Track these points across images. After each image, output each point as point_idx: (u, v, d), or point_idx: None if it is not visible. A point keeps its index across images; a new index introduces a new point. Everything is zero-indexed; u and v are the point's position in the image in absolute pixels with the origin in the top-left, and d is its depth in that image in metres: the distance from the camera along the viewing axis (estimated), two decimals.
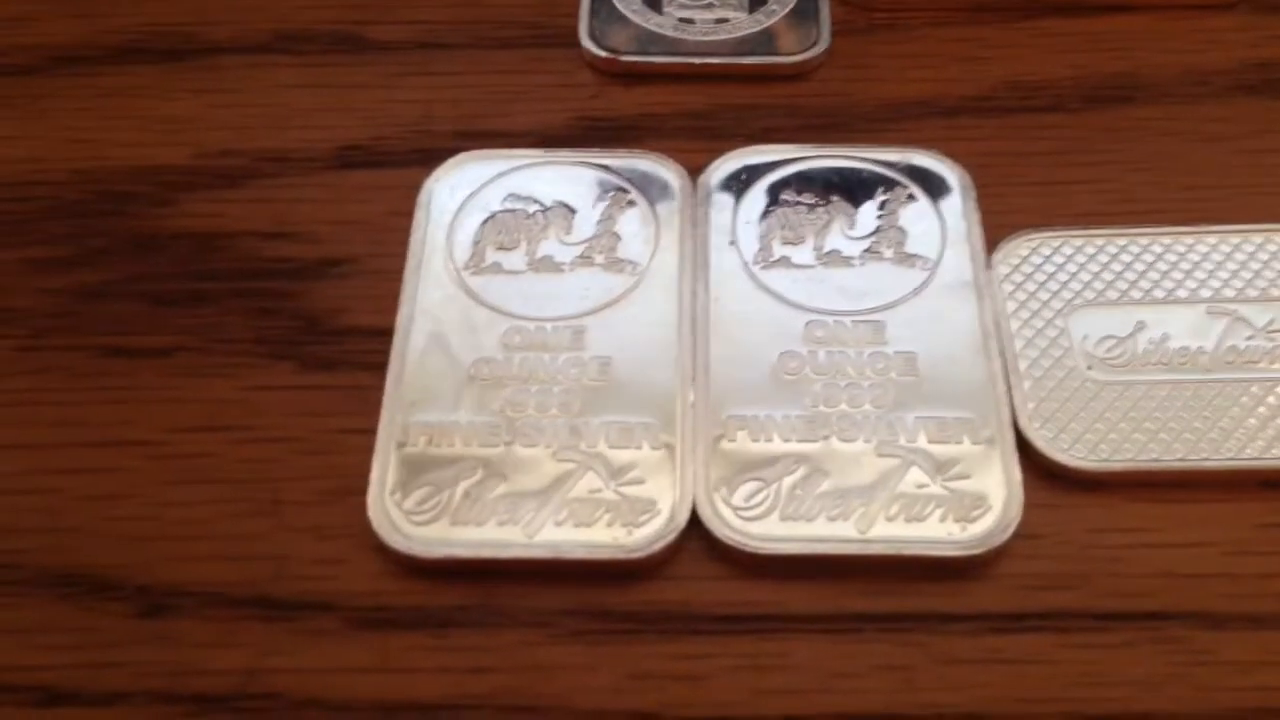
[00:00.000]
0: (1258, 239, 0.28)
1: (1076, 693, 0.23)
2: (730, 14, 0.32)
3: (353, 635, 0.24)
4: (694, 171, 0.29)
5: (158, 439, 0.26)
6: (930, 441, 0.25)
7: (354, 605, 0.24)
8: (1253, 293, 0.27)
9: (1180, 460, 0.25)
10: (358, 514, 0.24)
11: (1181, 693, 0.23)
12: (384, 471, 0.25)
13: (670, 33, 0.32)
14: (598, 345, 0.26)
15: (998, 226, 0.28)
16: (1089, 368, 0.26)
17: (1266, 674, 0.23)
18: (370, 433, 0.25)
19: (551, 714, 0.23)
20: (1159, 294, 0.27)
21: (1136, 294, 0.27)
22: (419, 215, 0.29)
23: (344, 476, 0.25)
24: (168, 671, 0.23)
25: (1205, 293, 0.27)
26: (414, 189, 0.29)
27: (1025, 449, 0.25)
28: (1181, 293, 0.27)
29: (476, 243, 0.28)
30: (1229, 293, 0.27)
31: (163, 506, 0.25)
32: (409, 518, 0.24)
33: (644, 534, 0.24)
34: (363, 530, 0.24)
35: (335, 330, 0.27)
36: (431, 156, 0.30)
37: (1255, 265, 0.27)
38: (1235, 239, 0.28)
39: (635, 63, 0.31)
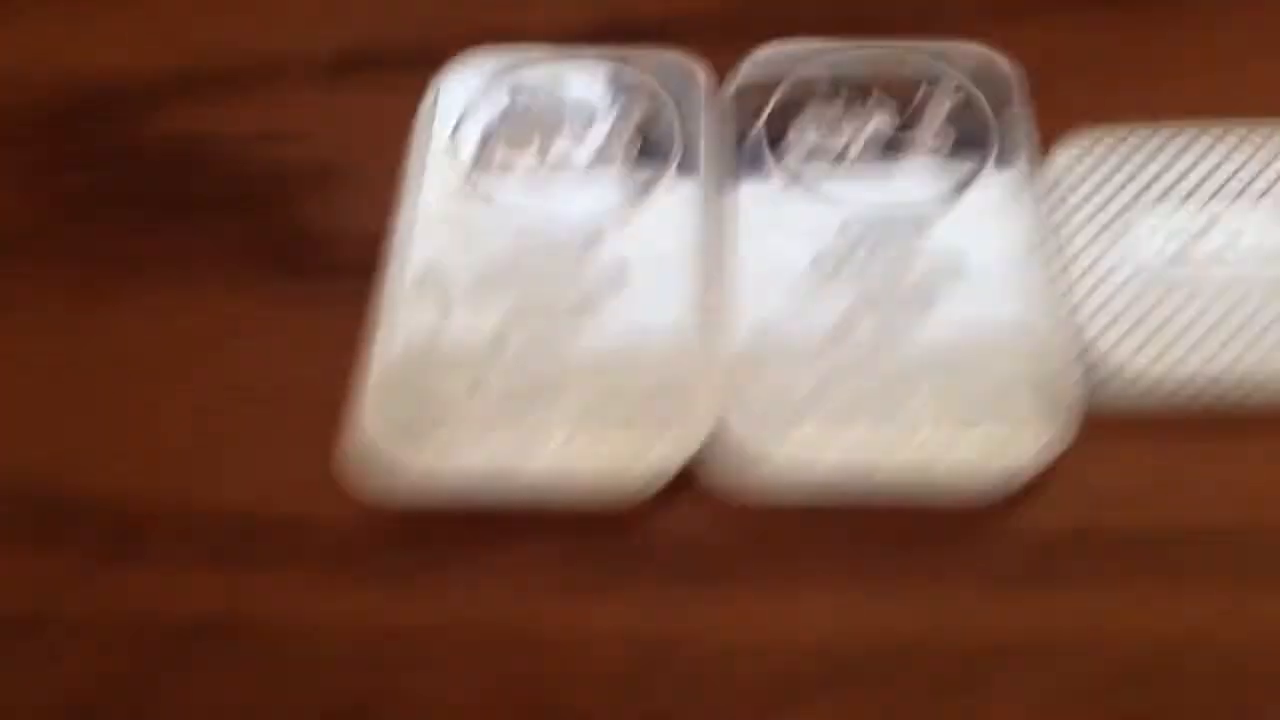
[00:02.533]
0: None
1: None
2: None
3: (323, 570, 0.21)
4: (722, 70, 0.27)
5: (131, 352, 0.24)
6: (972, 353, 0.23)
7: (325, 541, 0.22)
8: None
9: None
10: (337, 439, 0.22)
11: None
12: (370, 387, 0.23)
13: None
14: (615, 247, 0.24)
15: (1053, 123, 0.26)
16: (1156, 269, 0.24)
17: None
18: (360, 344, 0.23)
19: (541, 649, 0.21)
20: (1231, 190, 0.25)
21: (1206, 190, 0.25)
22: (423, 115, 0.26)
23: (329, 391, 0.23)
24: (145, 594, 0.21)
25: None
26: (419, 90, 0.27)
27: (1083, 357, 0.23)
28: (1258, 186, 0.25)
29: (485, 141, 0.26)
30: None
31: (129, 425, 0.23)
32: (394, 442, 0.22)
33: (652, 460, 0.22)
34: (340, 457, 0.22)
35: (328, 237, 0.25)
36: (438, 58, 0.27)
37: None
38: None
39: None
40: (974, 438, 0.22)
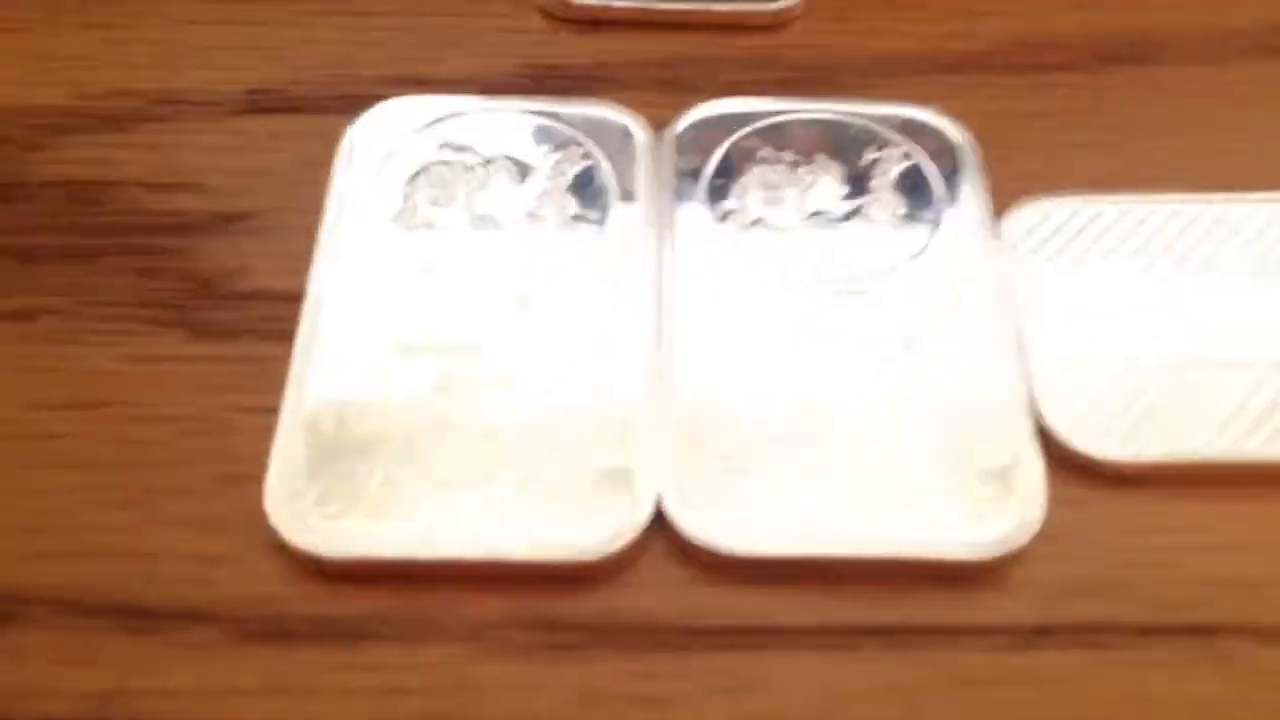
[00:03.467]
0: None
1: (1116, 716, 0.19)
2: None
3: (240, 650, 0.19)
4: (658, 125, 0.26)
5: (14, 416, 0.21)
6: (938, 429, 0.21)
7: (244, 614, 0.20)
8: None
9: (1226, 452, 0.21)
10: (253, 505, 0.20)
11: (1242, 716, 0.19)
12: (287, 455, 0.21)
13: None
14: (547, 314, 0.22)
15: (1005, 191, 0.25)
16: (1115, 346, 0.23)
17: None
18: (273, 411, 0.21)
19: None
20: (1193, 264, 0.24)
21: (1166, 264, 0.24)
22: (339, 165, 0.24)
23: (239, 461, 0.21)
24: (11, 693, 0.19)
25: (1248, 262, 0.24)
26: (332, 138, 0.25)
27: (1046, 437, 0.21)
28: (1219, 261, 0.24)
29: (407, 197, 0.24)
30: (1274, 261, 0.24)
31: (13, 495, 0.21)
32: (315, 509, 0.20)
33: (602, 531, 0.20)
34: (259, 524, 0.20)
35: (234, 294, 0.23)
36: (352, 104, 0.26)
37: None
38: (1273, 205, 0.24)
39: (591, 6, 0.28)
40: (931, 512, 0.20)
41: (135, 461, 0.21)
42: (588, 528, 0.20)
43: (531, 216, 0.24)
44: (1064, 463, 0.21)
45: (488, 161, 0.25)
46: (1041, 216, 0.24)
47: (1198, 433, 0.21)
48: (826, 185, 0.25)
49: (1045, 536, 0.20)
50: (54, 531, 0.20)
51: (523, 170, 0.24)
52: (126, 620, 0.19)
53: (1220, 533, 0.21)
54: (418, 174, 0.24)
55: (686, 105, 0.26)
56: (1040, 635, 0.20)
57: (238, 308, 0.23)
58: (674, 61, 0.27)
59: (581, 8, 0.28)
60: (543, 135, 0.25)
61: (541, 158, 0.25)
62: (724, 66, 0.27)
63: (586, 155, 0.25)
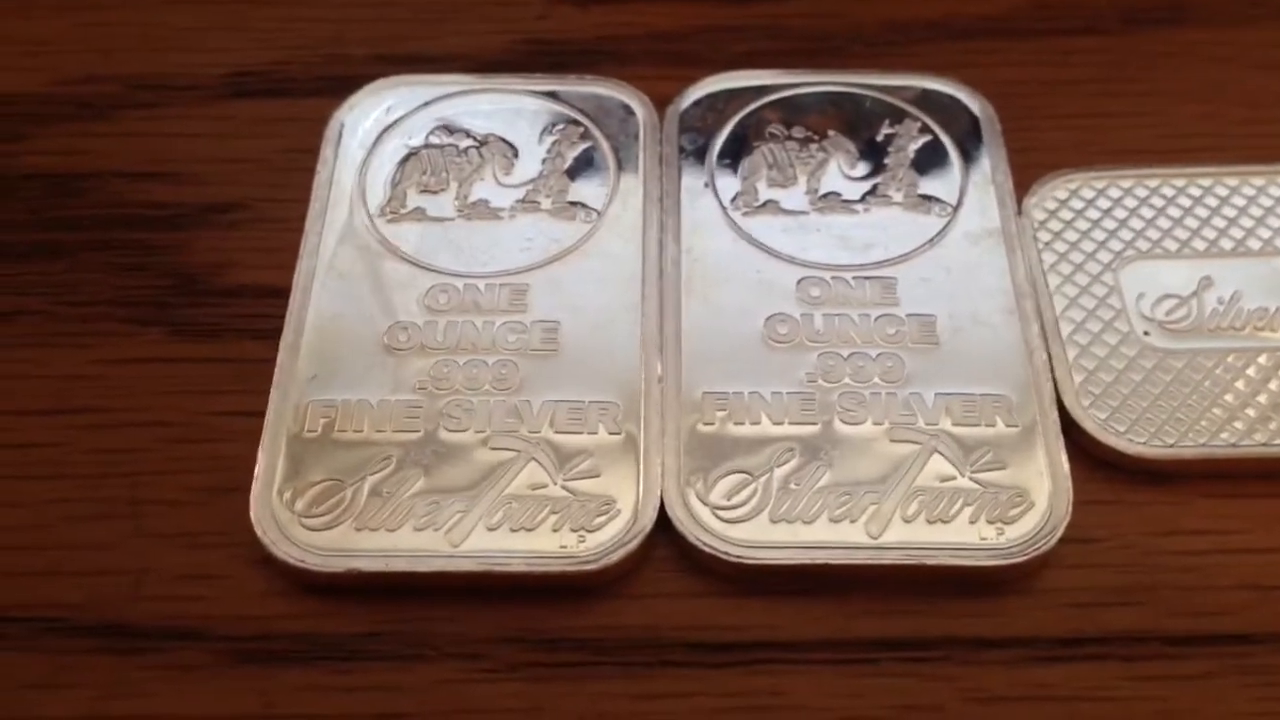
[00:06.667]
0: None
1: None
2: None
3: (228, 671, 0.18)
4: (661, 102, 0.24)
5: None
6: (955, 423, 0.20)
7: (230, 633, 0.19)
8: None
9: (1264, 446, 0.20)
10: (238, 517, 0.19)
11: None
12: (273, 463, 0.20)
13: None
14: (543, 307, 0.21)
15: (1028, 166, 0.24)
16: (1146, 333, 0.21)
17: None
18: (258, 415, 0.20)
19: None
20: (1226, 244, 0.22)
21: (1199, 244, 0.22)
22: (325, 152, 0.23)
23: (223, 470, 0.20)
24: None
25: None
26: (320, 122, 0.24)
27: (1072, 432, 0.20)
28: (1253, 243, 0.22)
29: (395, 184, 0.23)
30: None
31: None
32: (302, 521, 0.19)
33: (600, 540, 0.19)
34: (244, 537, 0.19)
35: (217, 290, 0.22)
36: (343, 85, 0.25)
37: None
38: None
39: None
40: (951, 515, 0.19)
41: (117, 471, 0.20)
42: (587, 537, 0.19)
43: (526, 203, 0.23)
44: (1091, 459, 0.20)
45: (481, 144, 0.23)
46: (1067, 193, 0.23)
47: (1234, 426, 0.20)
48: (839, 163, 0.23)
49: (1071, 540, 0.19)
50: (33, 547, 0.19)
51: (517, 153, 0.23)
52: (110, 640, 0.19)
53: (1257, 534, 0.20)
54: (408, 159, 0.23)
55: (692, 79, 0.25)
56: (1067, 647, 0.19)
57: (221, 304, 0.22)
58: (680, 33, 0.26)
59: None
60: (539, 115, 0.24)
61: (537, 140, 0.24)
62: (732, 37, 0.26)
63: (585, 136, 0.24)
